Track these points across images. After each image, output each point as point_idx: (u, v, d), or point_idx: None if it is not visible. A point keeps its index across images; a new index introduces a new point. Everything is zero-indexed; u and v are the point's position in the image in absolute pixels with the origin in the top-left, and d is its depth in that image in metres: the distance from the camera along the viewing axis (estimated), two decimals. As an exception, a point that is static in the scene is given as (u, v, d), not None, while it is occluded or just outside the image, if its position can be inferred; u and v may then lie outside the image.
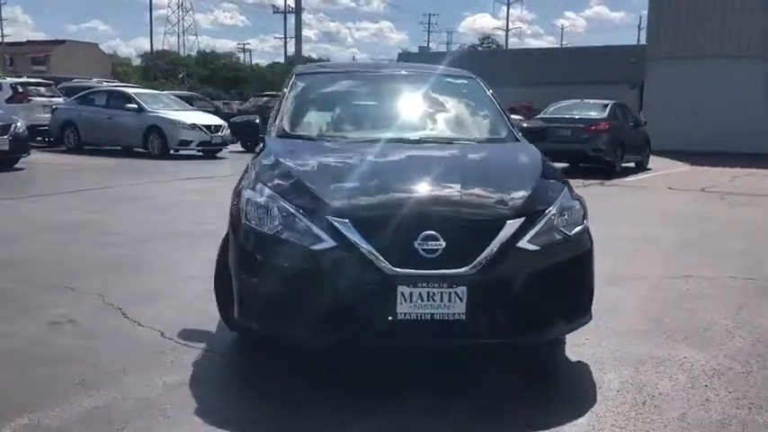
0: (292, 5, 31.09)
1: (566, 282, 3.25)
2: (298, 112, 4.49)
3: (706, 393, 3.19)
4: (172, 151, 16.51)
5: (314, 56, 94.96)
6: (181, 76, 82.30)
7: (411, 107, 4.65)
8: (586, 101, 16.16)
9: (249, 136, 4.40)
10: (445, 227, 3.05)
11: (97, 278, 5.01)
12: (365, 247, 3.00)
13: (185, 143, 16.39)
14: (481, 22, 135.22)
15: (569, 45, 65.72)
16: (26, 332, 3.87)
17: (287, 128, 4.27)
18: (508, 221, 3.12)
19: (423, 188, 3.34)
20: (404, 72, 5.18)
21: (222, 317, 3.73)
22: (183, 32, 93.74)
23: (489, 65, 41.07)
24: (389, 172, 3.47)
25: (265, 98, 21.18)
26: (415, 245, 3.01)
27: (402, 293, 2.97)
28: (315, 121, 4.50)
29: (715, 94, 23.99)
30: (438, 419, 2.93)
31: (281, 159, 3.67)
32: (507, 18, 77.37)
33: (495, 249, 3.03)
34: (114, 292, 4.63)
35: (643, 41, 38.82)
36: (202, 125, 16.61)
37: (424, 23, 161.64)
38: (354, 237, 3.02)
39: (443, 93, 4.81)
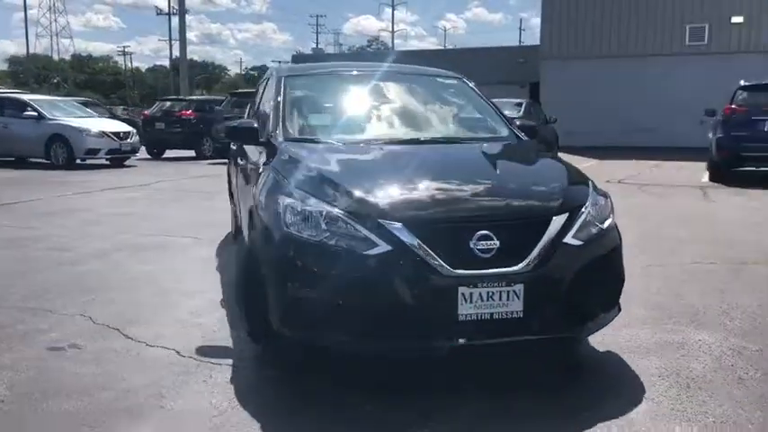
0: (175, 7, 30.14)
1: (604, 274, 3.35)
2: (300, 114, 4.39)
3: (737, 372, 3.38)
4: (78, 161, 15.63)
5: (196, 58, 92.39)
6: (56, 80, 78.10)
7: (413, 107, 4.66)
8: (500, 99, 16.63)
9: (247, 140, 4.25)
10: (498, 226, 3.07)
11: (70, 298, 4.68)
12: (422, 249, 2.97)
13: (93, 152, 15.57)
14: (365, 24, 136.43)
15: (454, 46, 67.39)
16: (29, 360, 3.56)
17: (294, 131, 4.16)
18: (554, 218, 3.18)
19: (468, 189, 3.35)
20: (394, 72, 5.16)
21: (249, 329, 3.59)
22: (56, 35, 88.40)
23: (387, 66, 41.14)
24: (427, 173, 3.44)
25: (169, 102, 20.44)
26: (471, 245, 3.02)
27: (463, 294, 2.97)
28: (319, 123, 4.42)
29: (607, 91, 25.36)
30: (500, 418, 2.94)
31: (309, 163, 3.57)
32: (393, 20, 78.61)
33: (545, 246, 3.09)
34: (99, 313, 4.34)
35: (526, 42, 40.27)
36: (111, 132, 15.85)
37: (309, 25, 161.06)
38: (410, 240, 2.98)
39: (439, 92, 4.85)
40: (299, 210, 3.18)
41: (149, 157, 19.35)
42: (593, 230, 3.30)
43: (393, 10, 77.65)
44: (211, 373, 3.39)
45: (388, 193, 3.21)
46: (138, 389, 3.20)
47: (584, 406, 3.03)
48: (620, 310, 3.48)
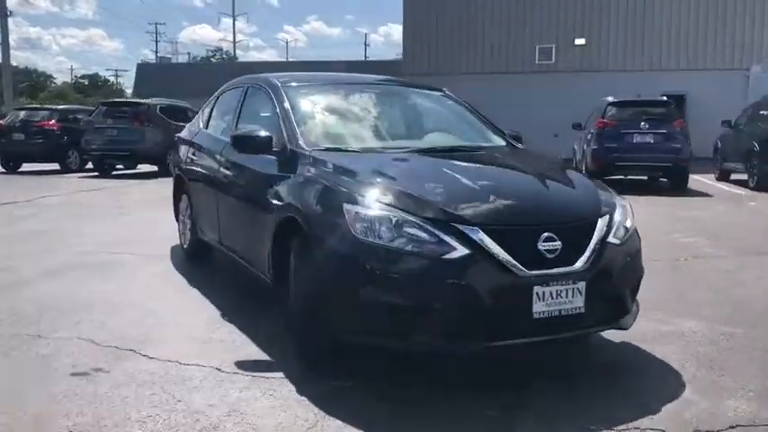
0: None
1: (635, 269, 3.68)
2: (315, 124, 4.38)
3: (749, 353, 3.83)
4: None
5: (15, 64, 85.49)
6: None
7: (419, 118, 4.80)
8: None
9: (259, 150, 4.14)
10: (559, 227, 3.30)
11: (51, 322, 4.33)
12: (499, 252, 3.13)
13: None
14: (202, 33, 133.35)
15: (296, 59, 67.62)
16: (61, 388, 3.29)
17: (316, 141, 4.14)
18: (599, 219, 3.47)
19: (525, 193, 3.55)
20: (387, 84, 5.26)
21: (305, 347, 3.57)
22: None
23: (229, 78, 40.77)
24: (476, 180, 3.58)
25: (26, 111, 18.89)
26: (539, 246, 3.22)
27: (537, 293, 3.16)
28: (338, 132, 4.42)
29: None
30: (570, 399, 3.16)
31: (360, 170, 3.61)
32: (234, 31, 77.60)
33: (596, 245, 3.36)
34: (96, 335, 4.07)
35: (370, 57, 41.29)
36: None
37: (147, 33, 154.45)
38: (487, 243, 3.13)
39: (435, 103, 5.03)
40: (369, 216, 3.22)
41: (4, 170, 17.81)
42: (624, 231, 3.62)
43: (234, 21, 76.69)
44: (272, 387, 3.32)
45: (455, 199, 3.33)
46: (208, 409, 3.08)
47: (642, 390, 3.32)
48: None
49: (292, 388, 3.31)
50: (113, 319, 4.43)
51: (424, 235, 3.15)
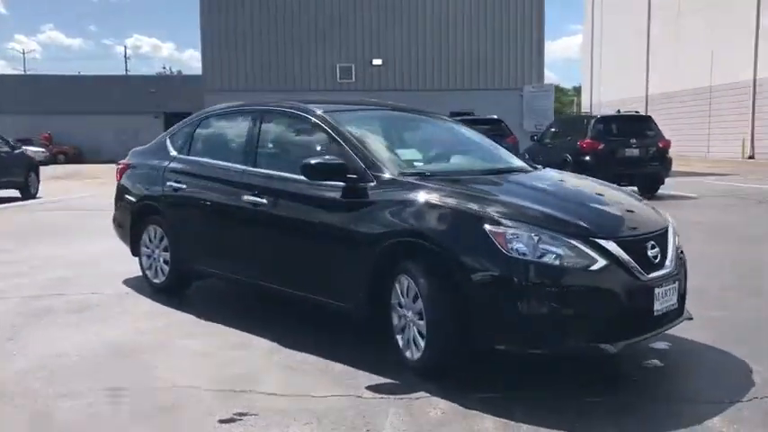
0: None
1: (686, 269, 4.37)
2: (385, 150, 4.50)
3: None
4: None
5: None
6: None
7: (446, 141, 5.10)
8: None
9: (333, 177, 4.10)
10: (654, 237, 3.88)
11: (67, 384, 3.97)
12: (628, 260, 3.62)
13: None
14: None
15: (35, 72, 62.24)
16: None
17: (396, 167, 4.28)
18: (670, 226, 4.11)
19: (622, 207, 4.05)
20: (409, 110, 5.45)
21: (453, 356, 3.77)
22: None
23: None
24: (571, 199, 4.03)
25: None
26: (648, 253, 3.77)
27: (656, 294, 3.71)
28: (409, 159, 4.57)
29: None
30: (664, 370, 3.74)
31: (477, 193, 3.89)
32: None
33: (673, 250, 3.99)
34: (133, 388, 3.83)
35: (132, 71, 39.93)
36: None
37: None
38: (620, 253, 3.60)
39: (461, 128, 5.35)
40: (518, 235, 3.52)
41: None
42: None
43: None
44: (430, 405, 3.45)
45: (580, 216, 3.74)
46: None
47: (722, 368, 3.99)
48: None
49: (449, 403, 3.47)
50: (172, 363, 4.16)
51: (568, 250, 3.51)
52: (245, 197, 4.85)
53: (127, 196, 6.17)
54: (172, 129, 6.11)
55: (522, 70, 28.15)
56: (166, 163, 5.76)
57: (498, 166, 4.80)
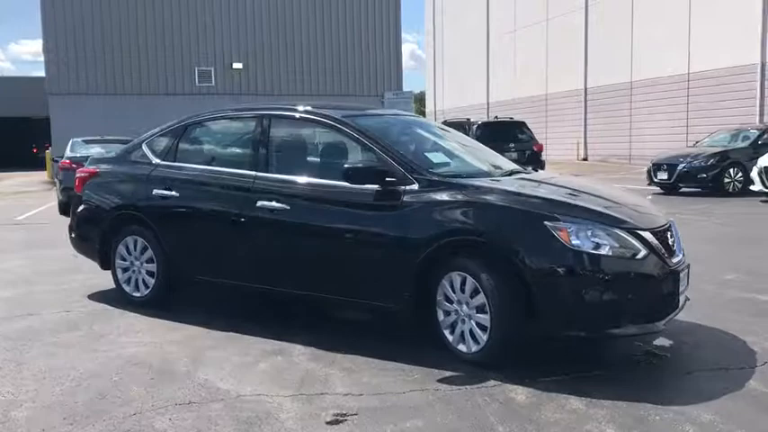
0: None
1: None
2: (417, 155, 4.66)
3: None
4: None
5: None
6: None
7: (470, 146, 5.34)
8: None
9: (375, 181, 4.15)
10: (668, 228, 4.40)
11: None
12: (661, 248, 4.10)
13: None
14: None
15: None
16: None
17: (432, 170, 4.48)
18: (671, 220, 4.67)
19: (636, 203, 4.52)
20: (408, 114, 5.61)
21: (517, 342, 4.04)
22: None
23: None
24: (597, 196, 4.44)
25: None
26: (669, 242, 4.28)
27: (681, 279, 4.22)
28: (440, 161, 4.75)
29: (124, 127, 25.50)
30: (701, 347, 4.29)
31: (526, 192, 4.25)
32: None
33: (680, 240, 4.56)
34: (206, 401, 3.80)
35: None
36: None
37: None
38: (655, 243, 4.08)
39: (448, 130, 5.62)
40: (578, 230, 3.88)
41: None
42: None
43: None
44: (511, 391, 3.72)
45: (618, 211, 4.17)
46: (501, 423, 3.40)
47: (722, 342, 4.59)
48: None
49: (525, 388, 3.75)
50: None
51: (619, 241, 3.92)
52: (260, 203, 4.81)
53: (94, 207, 5.82)
54: (145, 136, 5.84)
55: (383, 77, 28.95)
56: (149, 170, 5.52)
57: (510, 168, 5.13)
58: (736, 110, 25.21)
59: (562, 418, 3.39)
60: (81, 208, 5.96)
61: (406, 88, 27.91)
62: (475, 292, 4.05)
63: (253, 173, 4.96)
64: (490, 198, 4.16)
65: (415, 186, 4.32)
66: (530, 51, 37.18)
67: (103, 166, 5.92)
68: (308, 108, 5.03)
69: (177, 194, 5.28)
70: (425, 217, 4.22)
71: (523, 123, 16.44)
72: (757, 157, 13.87)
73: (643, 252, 3.96)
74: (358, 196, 4.45)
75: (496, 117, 17.71)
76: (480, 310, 4.03)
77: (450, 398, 3.66)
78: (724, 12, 25.22)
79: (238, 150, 5.26)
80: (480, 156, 5.33)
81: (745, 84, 25.00)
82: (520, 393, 3.70)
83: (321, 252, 4.66)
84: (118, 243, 5.65)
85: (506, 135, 15.49)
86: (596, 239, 3.88)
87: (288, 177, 4.83)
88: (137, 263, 5.56)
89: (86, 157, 7.80)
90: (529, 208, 4.05)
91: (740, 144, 15.75)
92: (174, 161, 5.50)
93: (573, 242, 3.84)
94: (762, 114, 24.87)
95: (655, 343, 4.56)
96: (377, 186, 4.37)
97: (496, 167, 5.05)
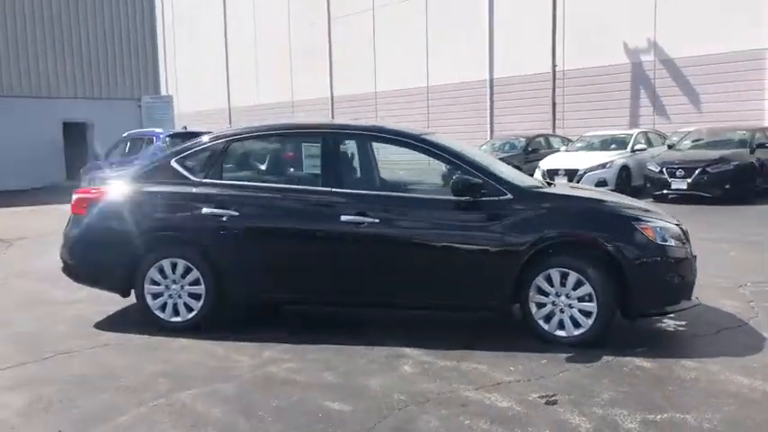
0: None
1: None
2: (495, 168, 5.26)
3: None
4: None
5: None
6: None
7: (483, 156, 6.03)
8: None
9: (476, 195, 4.53)
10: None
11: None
12: (687, 241, 5.33)
13: None
14: None
15: None
16: None
17: (515, 182, 5.16)
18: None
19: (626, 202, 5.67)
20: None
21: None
22: None
23: None
24: (620, 199, 5.55)
25: None
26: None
27: (695, 264, 5.49)
28: (512, 174, 5.39)
29: None
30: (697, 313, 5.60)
31: (598, 198, 5.22)
32: None
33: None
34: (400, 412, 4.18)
35: None
36: None
37: None
38: (686, 236, 5.29)
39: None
40: (658, 227, 4.92)
41: None
42: None
43: None
44: (632, 362, 4.59)
45: (660, 211, 5.28)
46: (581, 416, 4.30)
47: (716, 320, 5.96)
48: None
49: (633, 359, 4.64)
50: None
51: (677, 235, 5.03)
52: (345, 217, 5.03)
53: (112, 230, 5.36)
54: (171, 152, 5.52)
55: (140, 80, 27.35)
56: (191, 189, 5.29)
57: (537, 180, 6.01)
58: (471, 119, 28.97)
59: (691, 373, 4.36)
60: (88, 232, 5.43)
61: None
62: (578, 285, 4.84)
63: (328, 188, 5.13)
64: (585, 205, 5.02)
65: (509, 197, 4.97)
66: (273, 59, 38.03)
67: (148, 189, 5.43)
68: (383, 127, 5.36)
69: (236, 213, 5.18)
70: (526, 223, 4.90)
71: (201, 134, 15.60)
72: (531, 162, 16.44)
73: (686, 243, 5.11)
74: (458, 207, 4.98)
75: (185, 127, 17.16)
76: (583, 299, 4.84)
77: (600, 372, 4.40)
78: (457, 32, 28.77)
79: (305, 167, 5.34)
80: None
81: (477, 96, 28.79)
82: (641, 362, 4.58)
83: (421, 261, 5.04)
84: (149, 267, 5.30)
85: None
86: (666, 234, 4.93)
87: (373, 192, 5.13)
88: (174, 286, 5.30)
89: None
90: (619, 212, 4.99)
91: (516, 152, 18.39)
92: (221, 179, 5.36)
93: (656, 238, 4.85)
94: (492, 125, 28.96)
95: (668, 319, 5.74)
96: (474, 198, 4.93)
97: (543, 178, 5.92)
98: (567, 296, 4.89)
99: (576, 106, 25.14)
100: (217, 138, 5.53)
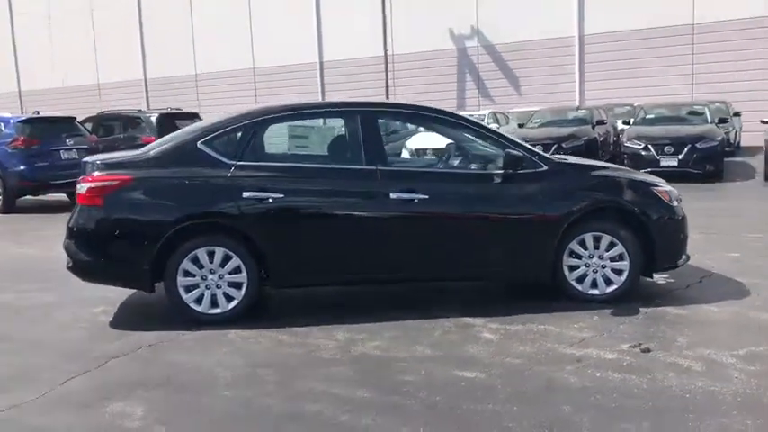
0: None
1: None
2: (522, 143, 5.52)
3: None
4: None
5: None
6: None
7: None
8: None
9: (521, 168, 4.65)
10: None
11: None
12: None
13: None
14: None
15: None
16: None
17: (544, 155, 5.47)
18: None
19: None
20: None
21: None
22: None
23: None
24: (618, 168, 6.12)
25: None
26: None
27: (672, 222, 6.25)
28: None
29: None
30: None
31: (622, 170, 5.71)
32: None
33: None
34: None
35: None
36: None
37: None
38: (673, 200, 6.02)
39: None
40: (669, 191, 5.54)
41: None
42: None
43: None
44: (670, 310, 5.17)
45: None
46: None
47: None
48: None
49: (665, 308, 5.25)
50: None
51: (679, 197, 5.66)
52: (394, 195, 5.06)
53: (137, 221, 4.88)
54: (197, 134, 5.09)
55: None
56: (226, 172, 4.96)
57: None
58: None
59: (721, 315, 5.02)
60: (107, 224, 4.88)
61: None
62: (610, 246, 5.31)
63: (373, 167, 5.11)
64: (611, 174, 5.49)
65: (545, 168, 5.31)
66: (73, 39, 34.91)
67: (139, 173, 4.95)
68: (417, 105, 5.41)
69: (281, 195, 4.96)
70: (564, 193, 5.27)
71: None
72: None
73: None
74: (502, 180, 5.21)
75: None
76: (615, 259, 5.32)
77: (652, 322, 4.91)
78: (285, 13, 28.51)
79: (345, 146, 5.21)
80: None
81: (309, 79, 28.84)
82: (674, 311, 5.17)
83: (466, 235, 5.21)
84: (182, 258, 4.91)
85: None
86: (673, 196, 5.56)
87: (419, 169, 5.19)
88: (211, 276, 4.96)
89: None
90: (640, 179, 5.53)
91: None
92: (258, 161, 5.08)
93: (669, 199, 5.46)
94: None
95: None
96: (514, 171, 5.20)
97: None
98: (600, 257, 5.34)
99: (407, 89, 26.14)
100: (246, 117, 5.21)
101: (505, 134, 5.62)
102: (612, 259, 5.35)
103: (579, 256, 5.36)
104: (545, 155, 5.54)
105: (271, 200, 4.96)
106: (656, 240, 5.35)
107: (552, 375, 3.97)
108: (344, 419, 3.47)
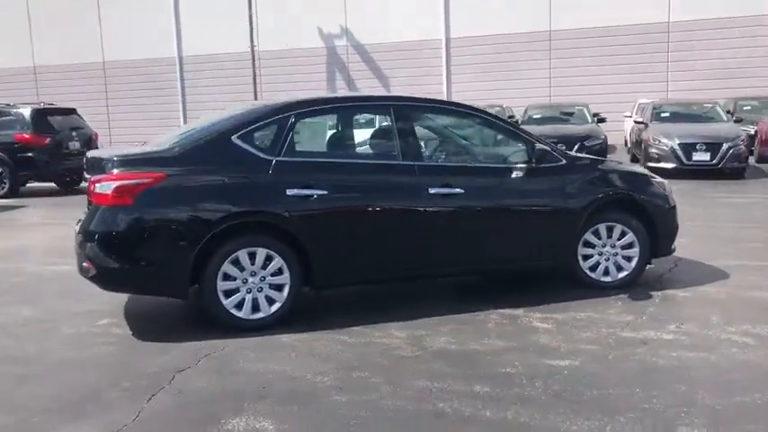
0: None
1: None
2: (541, 138, 5.67)
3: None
4: None
5: None
6: None
7: None
8: None
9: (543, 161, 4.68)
10: None
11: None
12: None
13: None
14: None
15: None
16: None
17: (560, 151, 5.67)
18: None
19: None
20: None
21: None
22: None
23: None
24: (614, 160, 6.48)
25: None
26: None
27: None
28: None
29: None
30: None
31: (622, 162, 5.96)
32: None
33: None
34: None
35: None
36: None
37: None
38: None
39: None
40: (668, 186, 5.96)
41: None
42: None
43: None
44: (677, 293, 5.58)
45: None
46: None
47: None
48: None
49: (676, 290, 5.66)
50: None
51: (670, 187, 6.13)
52: (433, 190, 5.03)
53: (177, 223, 4.46)
54: (229, 129, 4.69)
55: None
56: (267, 168, 4.66)
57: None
58: (163, 99, 27.46)
59: (720, 295, 5.49)
60: (139, 227, 4.40)
61: None
62: (622, 235, 5.63)
63: (411, 162, 5.04)
64: (619, 167, 5.81)
65: (564, 162, 5.52)
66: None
67: (173, 170, 4.49)
68: (448, 101, 5.41)
69: (325, 192, 4.75)
70: (583, 186, 5.52)
71: (74, 110, 14.96)
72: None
73: None
74: (527, 174, 5.34)
75: (43, 103, 15.43)
76: (626, 247, 5.65)
77: (671, 304, 5.28)
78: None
79: (382, 141, 5.06)
80: None
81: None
82: (680, 293, 5.57)
83: (500, 227, 5.30)
84: (223, 260, 4.55)
85: (67, 123, 14.13)
86: (667, 187, 6.00)
87: (452, 164, 5.21)
88: (252, 279, 4.65)
89: None
90: (642, 172, 5.91)
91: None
92: (296, 156, 4.81)
93: (666, 190, 5.89)
94: (184, 104, 27.77)
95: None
96: (538, 165, 5.36)
97: None
98: (612, 246, 5.64)
99: (276, 87, 25.61)
100: (279, 110, 4.90)
101: (527, 130, 5.77)
102: (623, 247, 5.67)
103: (592, 246, 5.63)
104: (563, 150, 5.76)
105: (315, 196, 4.73)
106: (659, 228, 5.74)
107: (638, 359, 4.15)
108: (489, 414, 3.42)
